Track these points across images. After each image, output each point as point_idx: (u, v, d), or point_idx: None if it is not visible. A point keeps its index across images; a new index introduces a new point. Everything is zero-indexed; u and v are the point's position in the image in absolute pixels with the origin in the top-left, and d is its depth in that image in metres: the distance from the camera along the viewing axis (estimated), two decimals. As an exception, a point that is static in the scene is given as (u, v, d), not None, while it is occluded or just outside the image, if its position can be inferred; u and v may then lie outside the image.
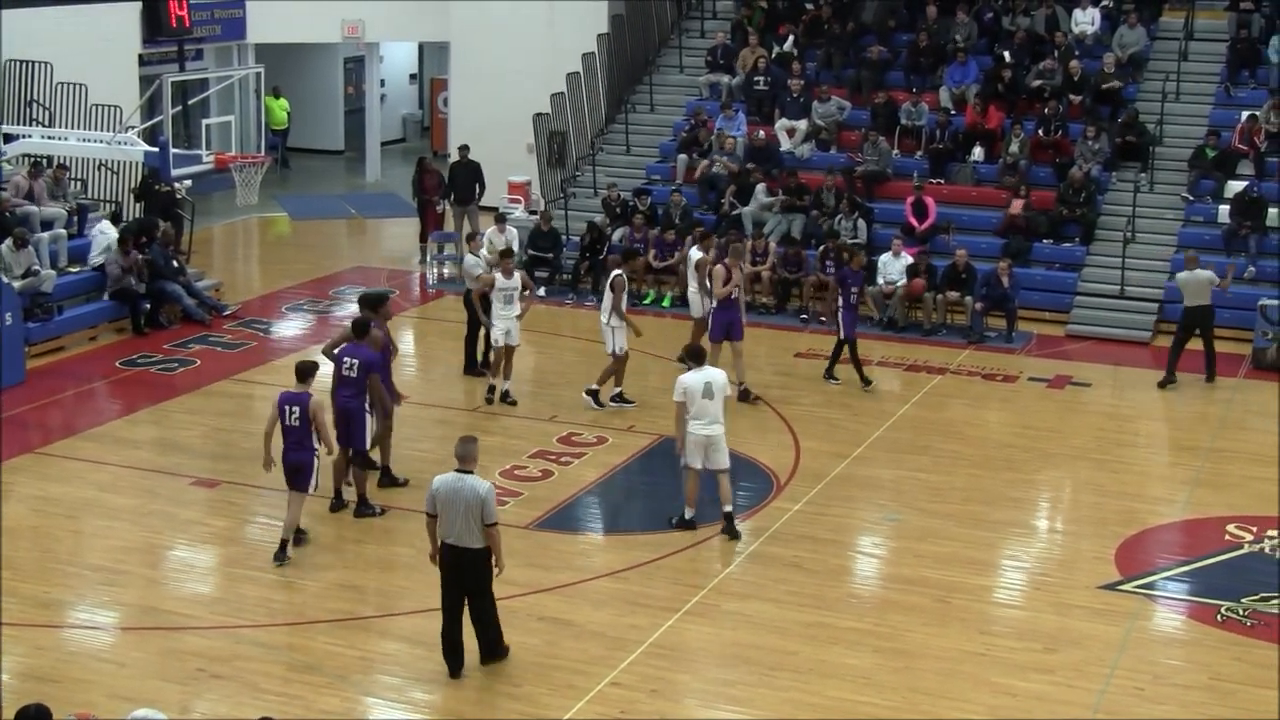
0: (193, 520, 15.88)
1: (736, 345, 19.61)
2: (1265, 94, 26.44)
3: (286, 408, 14.55)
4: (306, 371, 14.75)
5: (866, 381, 20.46)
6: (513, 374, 19.67)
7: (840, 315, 20.44)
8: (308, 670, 12.61)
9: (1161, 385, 21.05)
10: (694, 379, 15.32)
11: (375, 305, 16.52)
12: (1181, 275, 21.33)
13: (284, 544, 14.66)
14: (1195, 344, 21.02)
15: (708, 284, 20.01)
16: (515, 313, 19.30)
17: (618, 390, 19.48)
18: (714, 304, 19.74)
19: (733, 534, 15.43)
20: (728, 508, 15.50)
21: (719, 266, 19.64)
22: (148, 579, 14.48)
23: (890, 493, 17.12)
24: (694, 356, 15.86)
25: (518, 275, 19.63)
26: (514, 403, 19.48)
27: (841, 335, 20.49)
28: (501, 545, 12.33)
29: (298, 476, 14.59)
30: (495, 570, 12.35)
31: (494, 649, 12.66)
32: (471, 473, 12.25)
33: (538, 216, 26.61)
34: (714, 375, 15.50)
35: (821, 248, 24.51)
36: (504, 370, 19.54)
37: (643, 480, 17.36)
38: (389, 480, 16.54)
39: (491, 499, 12.15)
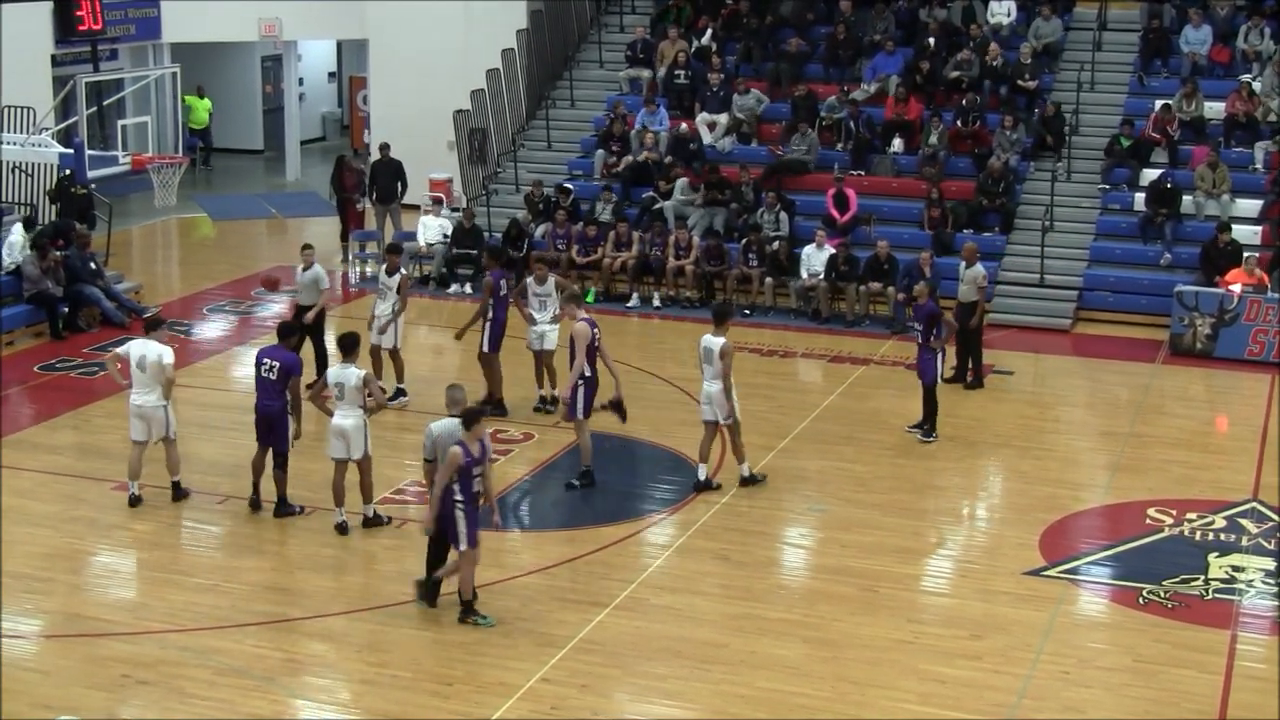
0: (116, 525, 15.69)
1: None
2: (1177, 83, 26.79)
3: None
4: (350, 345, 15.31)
5: (919, 428, 18.56)
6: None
7: (919, 357, 18.62)
8: (235, 674, 12.50)
9: (952, 380, 20.03)
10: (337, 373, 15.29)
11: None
12: (961, 269, 20.70)
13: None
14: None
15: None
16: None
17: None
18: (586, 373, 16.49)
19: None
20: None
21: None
22: (71, 585, 14.31)
23: (816, 484, 17.20)
24: (342, 346, 15.41)
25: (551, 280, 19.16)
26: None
27: (923, 382, 18.49)
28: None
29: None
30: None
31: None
32: None
33: (460, 214, 26.50)
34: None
35: (744, 240, 24.66)
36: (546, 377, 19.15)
37: (570, 476, 17.29)
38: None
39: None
